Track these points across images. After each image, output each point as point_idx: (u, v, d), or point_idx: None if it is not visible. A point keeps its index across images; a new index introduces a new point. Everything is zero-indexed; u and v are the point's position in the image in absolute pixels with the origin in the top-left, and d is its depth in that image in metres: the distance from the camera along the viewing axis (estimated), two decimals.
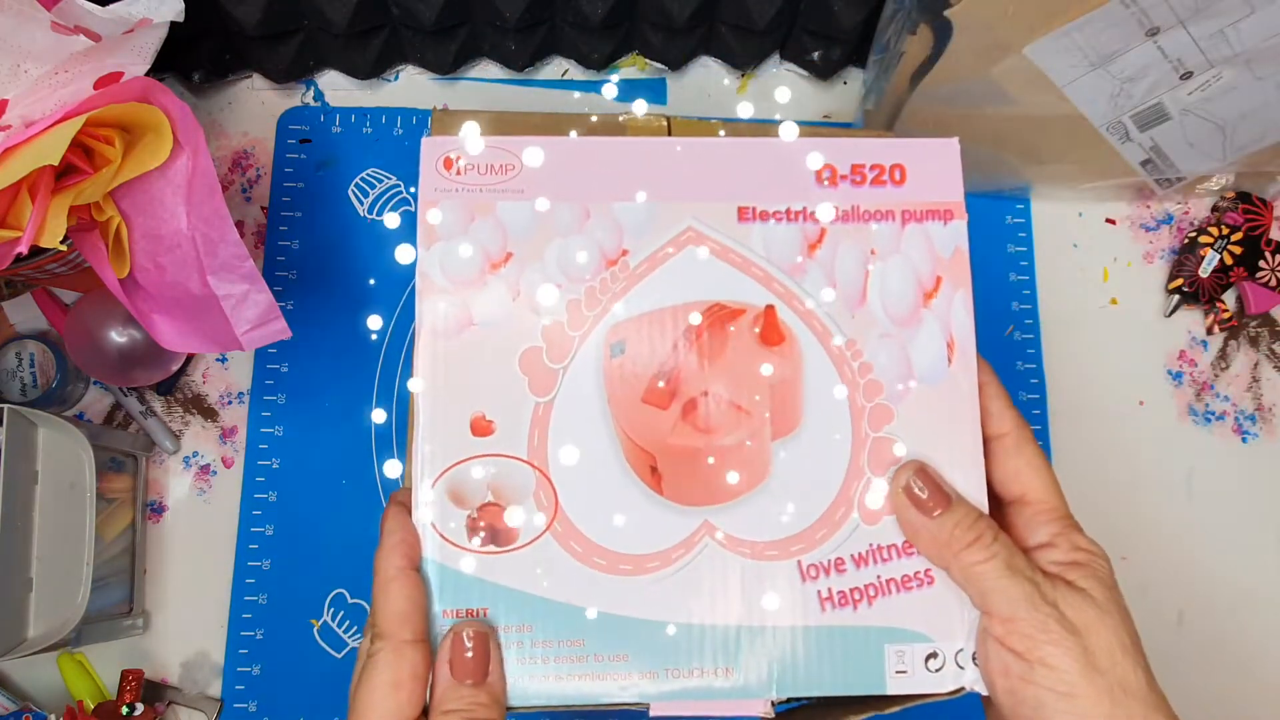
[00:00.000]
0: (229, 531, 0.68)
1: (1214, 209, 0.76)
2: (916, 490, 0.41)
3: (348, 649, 0.66)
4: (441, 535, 0.41)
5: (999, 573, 0.39)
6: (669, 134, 0.54)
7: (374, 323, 0.71)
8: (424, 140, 0.43)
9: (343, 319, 0.71)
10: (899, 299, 0.43)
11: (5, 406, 0.54)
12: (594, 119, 0.57)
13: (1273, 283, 0.73)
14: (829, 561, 0.42)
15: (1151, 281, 0.76)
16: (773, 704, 0.42)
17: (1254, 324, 0.75)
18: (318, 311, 0.71)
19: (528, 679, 0.41)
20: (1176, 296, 0.74)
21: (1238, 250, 0.73)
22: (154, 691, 0.65)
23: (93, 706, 0.61)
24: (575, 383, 0.42)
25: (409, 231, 0.72)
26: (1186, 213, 0.77)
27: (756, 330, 0.42)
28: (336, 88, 0.76)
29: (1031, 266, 0.75)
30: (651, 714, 0.41)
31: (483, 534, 0.41)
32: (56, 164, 0.49)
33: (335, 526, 0.68)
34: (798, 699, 0.42)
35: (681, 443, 0.41)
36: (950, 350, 0.43)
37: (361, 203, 0.73)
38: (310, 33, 0.70)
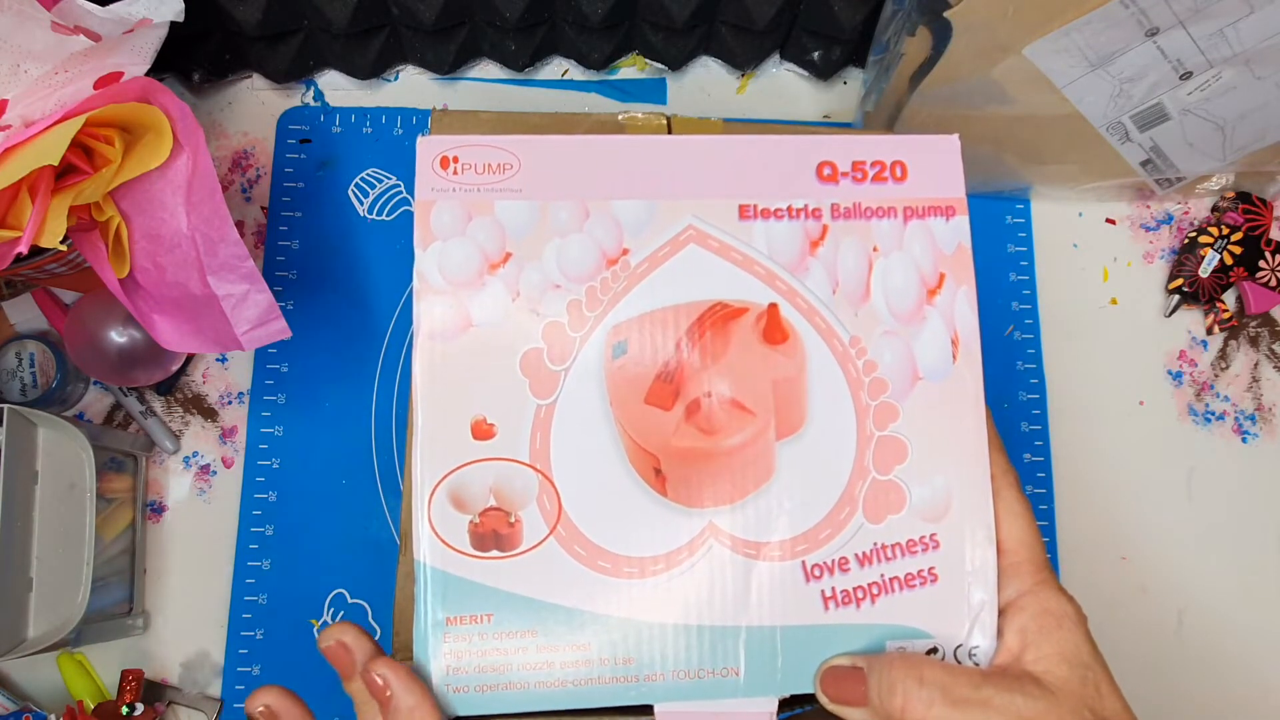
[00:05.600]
0: (229, 531, 0.68)
1: (1214, 209, 0.76)
2: (831, 690, 0.40)
3: None
4: (443, 541, 0.41)
5: (945, 714, 0.38)
6: (669, 133, 0.54)
7: (374, 323, 0.71)
8: (419, 139, 0.43)
9: (343, 319, 0.71)
10: (902, 296, 0.43)
11: (5, 406, 0.54)
12: (593, 119, 0.57)
13: (1273, 283, 0.73)
14: (833, 561, 0.42)
15: (1151, 281, 0.76)
16: (779, 703, 0.42)
17: (1254, 324, 0.75)
18: (318, 311, 0.71)
19: (533, 684, 0.41)
20: (1176, 296, 0.74)
21: (1238, 250, 0.73)
22: (154, 691, 0.65)
23: (93, 706, 0.61)
24: (577, 384, 0.42)
25: (408, 232, 0.72)
26: (1186, 213, 0.77)
27: (759, 329, 0.42)
28: (336, 88, 0.76)
29: (1031, 266, 0.75)
30: (657, 717, 0.41)
31: (485, 539, 0.41)
32: (56, 164, 0.49)
33: (335, 526, 0.68)
34: (802, 702, 0.42)
35: (685, 444, 0.41)
36: (955, 347, 0.43)
37: (361, 203, 0.73)
38: (310, 33, 0.70)
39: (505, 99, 0.76)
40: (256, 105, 0.75)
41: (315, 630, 0.66)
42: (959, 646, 0.42)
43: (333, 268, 0.72)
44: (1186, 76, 0.62)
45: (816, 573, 0.42)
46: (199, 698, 0.65)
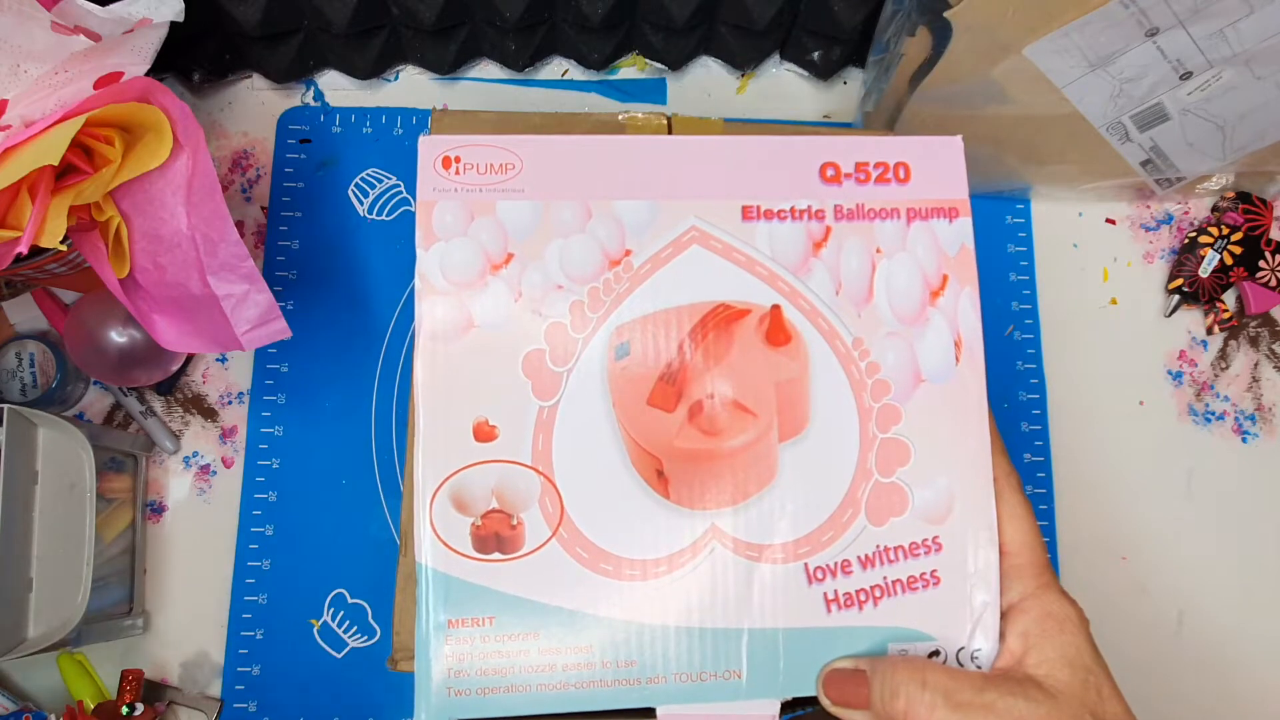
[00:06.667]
0: (229, 531, 0.67)
1: (1214, 209, 0.76)
2: (833, 692, 0.41)
3: (348, 649, 0.66)
4: (445, 544, 0.41)
5: (947, 718, 0.38)
6: (669, 133, 0.54)
7: (374, 323, 0.71)
8: (421, 139, 0.43)
9: (343, 319, 0.71)
10: (905, 297, 0.43)
11: (5, 406, 0.54)
12: (593, 119, 0.57)
13: (1273, 283, 0.73)
14: (836, 563, 0.42)
15: (1151, 281, 0.76)
16: (781, 705, 0.42)
17: (1254, 324, 0.75)
18: (318, 311, 0.71)
19: (536, 686, 0.40)
20: (1176, 296, 0.74)
21: (1238, 250, 0.73)
22: (154, 691, 0.65)
23: (93, 706, 0.61)
24: (579, 386, 0.42)
25: (409, 232, 0.72)
26: (1186, 213, 0.77)
27: (762, 331, 0.42)
28: (336, 88, 0.76)
29: (1031, 266, 0.75)
30: (659, 719, 0.41)
31: (487, 541, 0.41)
32: (56, 164, 0.49)
33: (335, 526, 0.68)
34: (804, 704, 0.42)
35: (688, 446, 0.41)
36: (958, 349, 0.43)
37: (361, 203, 0.73)
38: (310, 33, 0.70)
39: (505, 99, 0.76)
40: (256, 105, 0.75)
41: (315, 630, 0.66)
42: (961, 649, 0.42)
43: (333, 268, 0.72)
44: (1186, 76, 0.62)
45: (819, 575, 0.42)
46: (199, 698, 0.65)
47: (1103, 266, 0.76)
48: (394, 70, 0.76)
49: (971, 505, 0.42)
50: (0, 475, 0.53)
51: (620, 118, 0.57)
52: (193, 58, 0.71)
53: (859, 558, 0.42)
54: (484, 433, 0.41)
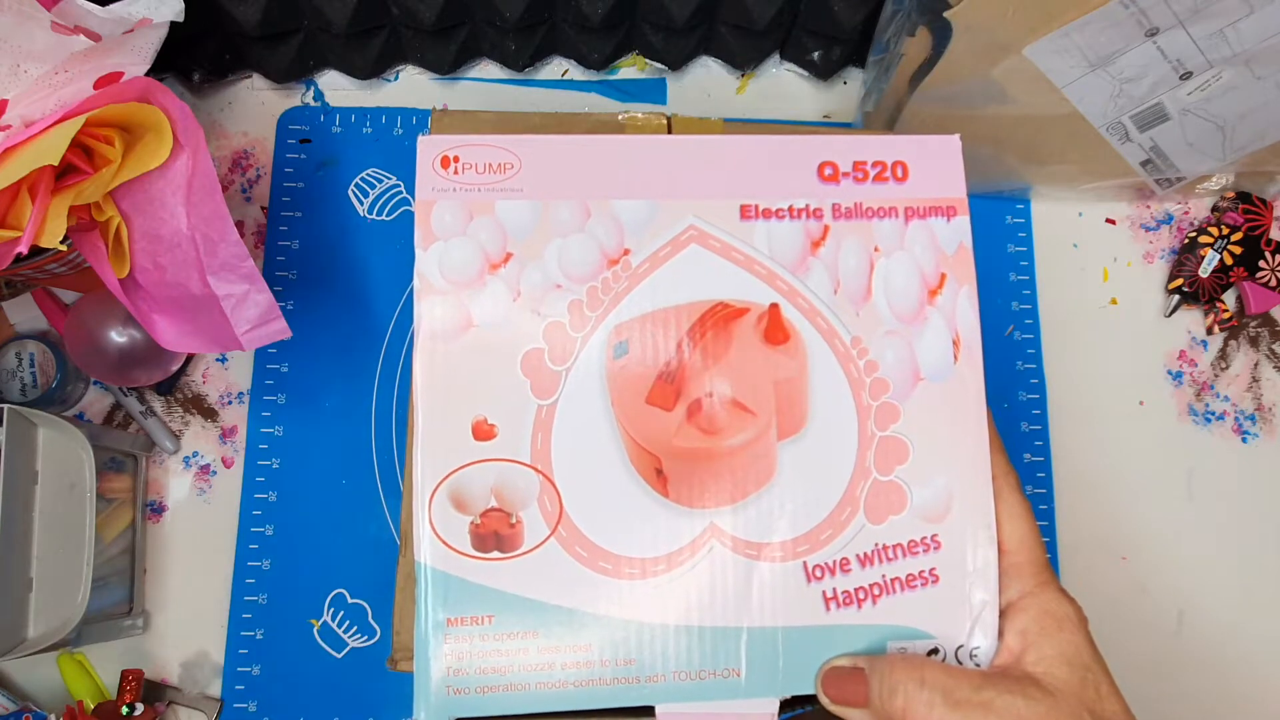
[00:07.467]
0: (229, 531, 0.68)
1: (1214, 209, 0.76)
2: (832, 690, 0.41)
3: (348, 649, 0.66)
4: (444, 542, 0.41)
5: (945, 716, 0.38)
6: (669, 133, 0.54)
7: (374, 323, 0.71)
8: (420, 139, 0.43)
9: (343, 319, 0.71)
10: (904, 296, 0.43)
11: (5, 406, 0.54)
12: (593, 119, 0.57)
13: (1273, 283, 0.73)
14: (835, 562, 0.42)
15: (1151, 281, 0.76)
16: (780, 704, 0.42)
17: (1254, 324, 0.75)
18: (318, 311, 0.71)
19: (535, 685, 0.40)
20: (1176, 296, 0.74)
21: (1238, 250, 0.73)
22: (154, 691, 0.65)
23: (93, 706, 0.61)
24: (578, 384, 0.42)
25: (409, 232, 0.72)
26: (1186, 213, 0.77)
27: (761, 329, 0.42)
28: (336, 88, 0.76)
29: (1031, 266, 0.75)
30: (658, 718, 0.41)
31: (486, 540, 0.41)
32: (56, 164, 0.49)
33: (335, 526, 0.68)
34: (803, 702, 0.42)
35: (687, 444, 0.41)
36: (956, 347, 0.43)
37: (361, 203, 0.73)
38: (310, 33, 0.70)
39: (505, 99, 0.76)
40: (256, 105, 0.75)
41: (315, 630, 0.66)
42: (960, 647, 0.42)
43: (333, 268, 0.72)
44: (1186, 76, 0.62)
45: (818, 573, 0.42)
46: (199, 698, 0.65)
47: (1103, 266, 0.76)
48: (394, 70, 0.76)
49: (970, 503, 0.42)
50: (0, 475, 0.53)
51: (620, 118, 0.57)
52: (193, 58, 0.71)
53: (858, 556, 0.42)
54: (483, 431, 0.41)
